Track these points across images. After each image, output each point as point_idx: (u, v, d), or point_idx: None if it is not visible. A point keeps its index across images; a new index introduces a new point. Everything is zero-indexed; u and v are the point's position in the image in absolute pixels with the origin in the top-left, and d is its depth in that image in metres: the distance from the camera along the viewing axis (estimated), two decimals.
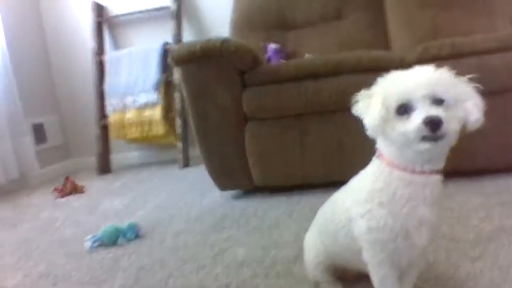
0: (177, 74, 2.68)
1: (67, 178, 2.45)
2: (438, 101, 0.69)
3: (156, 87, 2.76)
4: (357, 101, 0.76)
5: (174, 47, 2.51)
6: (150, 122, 2.76)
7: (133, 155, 3.14)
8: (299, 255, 1.16)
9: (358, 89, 0.78)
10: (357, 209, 0.80)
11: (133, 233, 1.53)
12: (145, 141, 2.92)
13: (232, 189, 1.93)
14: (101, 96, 2.93)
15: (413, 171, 0.73)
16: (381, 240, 0.76)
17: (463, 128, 0.71)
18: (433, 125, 0.65)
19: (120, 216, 1.85)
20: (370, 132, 0.73)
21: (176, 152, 2.79)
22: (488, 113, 1.67)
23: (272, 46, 2.29)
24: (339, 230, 0.87)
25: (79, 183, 2.48)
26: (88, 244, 1.49)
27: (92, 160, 2.99)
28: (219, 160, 1.85)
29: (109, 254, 1.44)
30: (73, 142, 3.24)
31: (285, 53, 2.30)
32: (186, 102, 1.86)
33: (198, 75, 1.77)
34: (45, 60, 3.17)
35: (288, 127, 1.77)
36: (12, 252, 1.60)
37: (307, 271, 1.03)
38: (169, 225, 1.67)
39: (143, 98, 2.76)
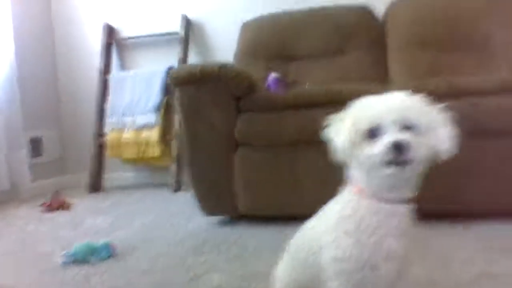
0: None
1: (56, 193, 2.42)
2: (408, 127, 0.67)
3: (157, 109, 2.77)
4: (328, 125, 0.74)
5: (175, 68, 2.54)
6: (147, 143, 2.76)
7: (127, 175, 3.11)
8: None
9: None
10: (325, 237, 0.76)
11: (107, 253, 1.48)
12: (141, 162, 2.90)
13: (217, 214, 1.88)
14: (101, 114, 2.94)
15: (380, 199, 0.70)
16: (347, 270, 0.72)
17: (435, 157, 0.69)
18: (399, 149, 0.63)
19: (101, 234, 1.80)
20: (338, 156, 0.71)
21: (170, 175, 2.77)
22: (482, 155, 1.65)
23: (273, 74, 2.30)
24: (309, 257, 0.83)
25: (69, 199, 2.45)
26: (61, 259, 1.44)
27: (85, 177, 2.96)
28: (207, 184, 1.82)
29: (81, 271, 1.39)
30: (69, 158, 3.23)
31: (286, 83, 2.30)
32: (180, 122, 1.86)
33: (195, 97, 1.77)
34: (52, 75, 3.22)
35: (280, 155, 1.75)
36: None
37: None
38: (148, 246, 1.62)
39: (142, 120, 2.77)
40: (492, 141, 1.61)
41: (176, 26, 2.91)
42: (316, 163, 1.72)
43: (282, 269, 0.98)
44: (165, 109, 2.80)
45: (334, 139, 0.72)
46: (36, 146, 2.98)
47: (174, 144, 2.77)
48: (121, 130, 2.82)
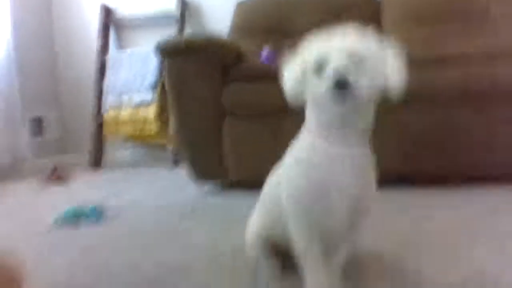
0: None
1: (54, 168, 2.47)
2: (355, 62, 0.68)
3: (153, 87, 2.80)
4: (283, 65, 0.76)
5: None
6: (144, 121, 2.79)
7: (126, 153, 3.16)
8: None
9: None
10: (283, 179, 0.79)
11: (96, 216, 1.52)
12: (138, 139, 2.94)
13: (207, 181, 1.91)
14: (100, 94, 2.98)
15: (332, 136, 0.72)
16: (301, 206, 0.74)
17: (385, 92, 0.70)
18: (341, 82, 0.65)
19: (94, 203, 1.85)
20: (289, 93, 0.73)
21: (167, 152, 2.80)
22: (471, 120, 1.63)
23: (266, 49, 2.30)
24: (272, 198, 0.85)
25: (67, 173, 2.50)
26: (51, 220, 1.49)
27: (86, 156, 3.01)
28: (196, 153, 1.86)
29: (70, 232, 1.44)
30: (69, 137, 3.29)
31: (280, 56, 2.30)
32: (168, 93, 1.88)
33: (182, 68, 1.80)
34: (51, 56, 3.26)
35: (266, 123, 1.77)
36: None
37: (248, 250, 1.00)
38: (137, 212, 1.66)
39: (138, 97, 2.80)
40: (481, 106, 1.62)
41: (172, 6, 2.92)
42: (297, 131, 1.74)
43: (254, 220, 1.00)
44: (162, 87, 2.82)
45: (285, 76, 0.73)
46: (36, 125, 3.04)
47: (171, 122, 2.80)
48: (118, 108, 2.86)
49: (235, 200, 1.74)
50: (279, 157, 1.89)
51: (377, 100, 0.72)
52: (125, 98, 2.84)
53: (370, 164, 0.77)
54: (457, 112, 1.65)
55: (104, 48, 3.04)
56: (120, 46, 3.15)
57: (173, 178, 2.42)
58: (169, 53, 1.78)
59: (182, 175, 2.43)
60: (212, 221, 1.48)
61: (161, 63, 2.80)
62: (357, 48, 0.68)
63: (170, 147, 2.79)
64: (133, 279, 0.99)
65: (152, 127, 2.78)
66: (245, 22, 2.55)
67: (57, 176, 2.41)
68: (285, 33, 2.47)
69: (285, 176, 0.78)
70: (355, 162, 0.73)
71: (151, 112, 2.77)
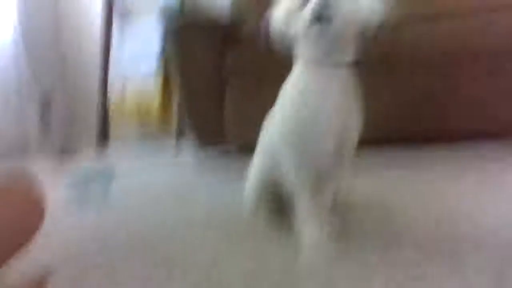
0: None
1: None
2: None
3: (158, 58, 2.85)
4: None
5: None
6: (149, 94, 2.86)
7: (132, 129, 3.23)
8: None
9: None
10: (276, 108, 0.85)
11: (107, 178, 1.59)
12: (143, 114, 3.01)
13: (210, 145, 1.98)
14: (106, 68, 3.04)
15: (320, 65, 0.77)
16: (292, 130, 0.80)
17: (367, 23, 0.75)
18: (321, 6, 0.70)
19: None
20: (277, 26, 0.79)
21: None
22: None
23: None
24: (268, 140, 0.91)
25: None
26: (63, 190, 1.55)
27: (93, 132, 3.09)
28: (199, 119, 1.91)
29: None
30: (77, 115, 3.36)
31: None
32: (171, 59, 1.93)
33: (184, 33, 1.84)
34: (56, 35, 3.31)
35: (268, 87, 1.81)
36: None
37: (247, 197, 1.05)
38: (144, 174, 1.73)
39: (144, 68, 2.87)
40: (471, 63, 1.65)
41: None
42: None
43: (253, 169, 1.06)
44: (165, 58, 2.87)
45: (273, 15, 0.79)
46: (46, 105, 3.12)
47: (175, 97, 2.86)
48: (124, 82, 2.93)
49: (237, 162, 1.79)
50: None
51: (359, 33, 0.77)
52: (130, 71, 2.91)
53: (357, 87, 0.82)
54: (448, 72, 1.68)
55: (108, 22, 3.08)
56: (124, 20, 3.19)
57: (177, 152, 2.48)
58: (171, 21, 1.83)
59: (186, 146, 2.49)
60: (214, 183, 1.54)
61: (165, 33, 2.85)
62: None
63: (173, 122, 2.85)
64: (139, 241, 1.03)
65: (156, 100, 2.84)
66: None
67: None
68: None
69: (277, 107, 0.85)
70: (344, 81, 0.78)
71: (156, 84, 2.83)
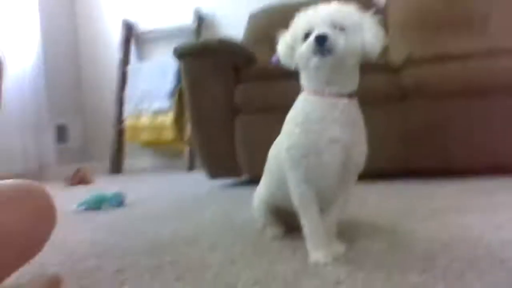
0: None
1: (77, 171, 2.62)
2: (337, 28, 0.79)
3: (171, 95, 2.96)
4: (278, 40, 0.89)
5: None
6: (162, 127, 2.94)
7: (145, 160, 3.31)
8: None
9: None
10: (282, 135, 0.90)
11: (117, 201, 1.64)
12: (157, 145, 3.09)
13: (221, 176, 2.02)
14: (120, 102, 3.16)
15: (322, 94, 0.83)
16: (296, 156, 0.84)
17: (364, 54, 0.81)
18: (320, 39, 0.76)
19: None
20: (283, 60, 0.85)
21: (183, 160, 2.95)
22: (471, 113, 1.76)
23: (277, 55, 2.43)
24: (274, 165, 0.95)
25: (91, 178, 2.63)
26: (74, 206, 1.61)
27: (107, 163, 3.17)
28: (210, 148, 1.97)
29: (91, 216, 1.55)
30: (92, 145, 3.46)
31: None
32: (185, 93, 2.02)
33: (197, 69, 1.94)
34: (76, 68, 3.48)
35: (276, 119, 1.87)
36: None
37: (255, 217, 1.09)
38: (154, 201, 1.77)
39: (157, 104, 2.96)
40: (479, 101, 1.71)
41: (188, 20, 3.11)
42: None
43: (261, 187, 1.10)
44: (179, 95, 2.98)
45: (279, 44, 0.86)
46: (61, 132, 3.23)
47: (188, 129, 2.94)
48: (138, 116, 3.03)
49: (247, 190, 1.83)
50: None
51: (357, 64, 0.83)
52: (144, 106, 3.01)
53: (361, 118, 0.86)
54: (457, 105, 1.74)
55: (125, 60, 3.24)
56: (140, 57, 3.35)
57: (189, 178, 2.54)
58: (185, 54, 1.93)
59: (197, 177, 2.56)
60: (224, 203, 1.58)
61: (179, 70, 2.98)
62: (338, 17, 0.79)
63: (185, 152, 2.93)
64: (150, 244, 1.09)
65: (169, 133, 2.92)
66: (257, 31, 2.70)
67: (80, 177, 2.55)
68: None
69: (283, 134, 0.89)
70: (346, 111, 0.82)
71: (168, 118, 2.92)
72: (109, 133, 3.22)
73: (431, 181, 1.71)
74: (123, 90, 3.17)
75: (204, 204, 1.60)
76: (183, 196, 1.83)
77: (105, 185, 2.52)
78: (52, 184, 2.71)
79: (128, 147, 3.20)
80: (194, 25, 3.09)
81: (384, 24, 2.48)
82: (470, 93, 1.73)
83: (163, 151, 3.23)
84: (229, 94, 1.92)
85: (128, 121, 3.06)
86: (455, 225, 1.06)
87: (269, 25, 2.73)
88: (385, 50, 2.19)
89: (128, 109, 3.08)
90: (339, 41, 0.77)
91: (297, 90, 2.00)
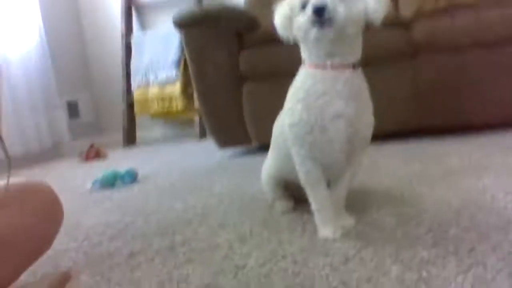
0: None
1: (91, 145, 2.65)
2: None
3: (176, 65, 2.91)
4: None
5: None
6: (171, 98, 2.92)
7: (156, 131, 3.32)
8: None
9: None
10: (285, 110, 0.87)
11: (131, 177, 1.65)
12: (167, 116, 3.08)
13: (230, 145, 2.02)
14: (127, 75, 3.13)
15: (324, 67, 0.79)
16: (300, 134, 0.82)
17: (367, 20, 0.76)
18: (318, 9, 0.71)
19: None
20: (280, 32, 0.81)
21: (194, 127, 2.94)
22: (484, 65, 1.69)
23: None
24: (279, 139, 0.94)
25: (105, 152, 2.66)
26: (89, 185, 1.63)
27: (120, 135, 3.19)
28: (217, 118, 1.95)
29: (106, 193, 1.57)
30: (103, 118, 3.47)
31: None
32: (188, 64, 1.98)
33: (198, 38, 1.88)
34: (80, 42, 3.43)
35: (282, 85, 1.83)
36: None
37: (264, 190, 1.09)
38: (166, 174, 1.78)
39: (163, 74, 2.92)
40: (494, 50, 1.64)
41: None
42: None
43: (267, 163, 1.09)
44: (185, 64, 2.93)
45: (276, 14, 0.81)
46: (72, 109, 3.24)
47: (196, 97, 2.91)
48: (146, 87, 3.00)
49: (257, 159, 1.83)
50: None
51: (360, 31, 0.78)
52: (151, 77, 2.98)
53: (366, 88, 0.83)
54: (470, 58, 1.67)
55: (128, 31, 3.17)
56: (143, 27, 3.28)
57: (200, 148, 2.54)
58: (185, 23, 1.86)
59: (208, 145, 2.56)
60: (234, 175, 1.58)
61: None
62: None
63: (196, 121, 2.92)
64: (162, 223, 1.10)
65: (178, 103, 2.90)
66: None
67: (95, 153, 2.58)
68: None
69: (286, 110, 0.86)
70: (349, 83, 0.78)
71: (176, 89, 2.89)
72: (120, 106, 3.22)
73: (445, 140, 1.67)
74: (129, 62, 3.13)
75: (214, 176, 1.60)
76: (194, 168, 1.84)
77: (119, 159, 2.55)
78: (67, 160, 2.76)
79: (138, 119, 3.20)
80: None
81: None
82: (483, 45, 1.66)
83: (173, 120, 3.22)
84: (234, 62, 1.87)
85: (136, 94, 3.04)
86: (467, 189, 1.04)
87: None
88: (394, 4, 2.08)
89: (135, 80, 3.05)
90: (338, 9, 0.72)
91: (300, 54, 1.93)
